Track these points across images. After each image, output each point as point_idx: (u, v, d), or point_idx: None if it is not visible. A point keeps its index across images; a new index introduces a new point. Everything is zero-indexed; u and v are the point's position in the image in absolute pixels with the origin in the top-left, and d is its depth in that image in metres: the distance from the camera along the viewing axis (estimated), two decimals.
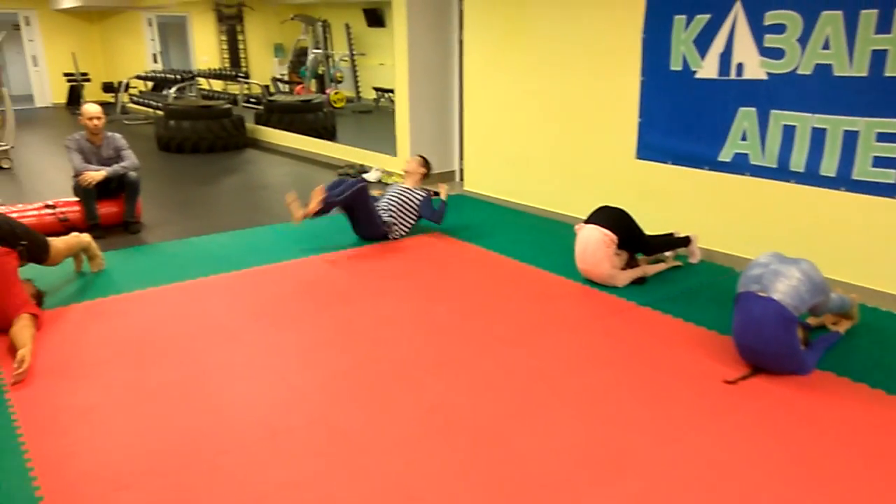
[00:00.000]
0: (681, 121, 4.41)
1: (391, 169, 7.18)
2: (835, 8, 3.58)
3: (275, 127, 9.68)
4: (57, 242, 3.81)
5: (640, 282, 3.96)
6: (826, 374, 2.90)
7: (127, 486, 2.16)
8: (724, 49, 4.08)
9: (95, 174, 4.85)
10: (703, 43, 4.18)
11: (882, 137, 3.53)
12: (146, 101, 11.92)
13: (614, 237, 3.84)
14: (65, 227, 4.94)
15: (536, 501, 2.10)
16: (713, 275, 4.16)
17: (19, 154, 8.45)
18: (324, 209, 4.58)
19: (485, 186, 6.18)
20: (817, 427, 2.51)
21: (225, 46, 16.03)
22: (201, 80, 13.03)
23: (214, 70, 13.12)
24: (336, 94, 13.45)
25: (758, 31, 3.91)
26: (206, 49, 15.90)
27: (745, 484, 2.18)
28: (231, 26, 15.87)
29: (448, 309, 3.62)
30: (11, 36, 9.40)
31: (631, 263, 4.01)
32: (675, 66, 4.35)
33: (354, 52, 14.65)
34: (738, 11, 3.98)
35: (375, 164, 7.43)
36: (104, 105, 5.38)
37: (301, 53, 14.98)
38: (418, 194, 4.96)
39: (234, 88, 13.63)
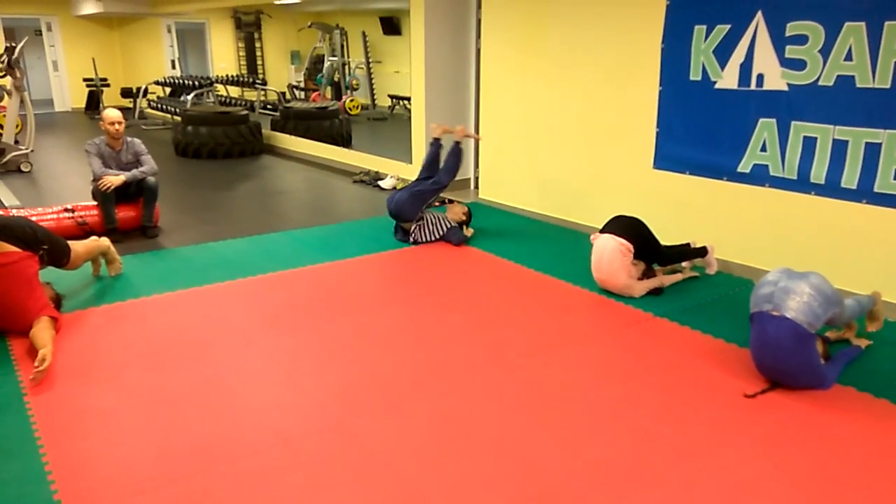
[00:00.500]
0: (699, 131, 4.39)
1: (406, 176, 7.19)
2: (858, 19, 3.55)
3: (291, 133, 9.74)
4: (77, 247, 3.84)
5: (656, 292, 3.93)
6: (847, 389, 2.86)
7: (144, 491, 2.16)
8: (745, 59, 4.06)
9: (114, 179, 4.89)
10: (723, 53, 4.16)
11: None
12: (164, 106, 12.03)
13: (630, 246, 3.82)
14: (83, 231, 4.99)
15: None
16: (731, 286, 4.12)
17: (39, 158, 8.55)
18: (438, 143, 5.21)
19: (500, 195, 6.17)
20: (838, 443, 2.47)
21: (242, 53, 16.18)
22: (219, 87, 13.15)
23: (232, 76, 13.24)
24: (351, 101, 13.52)
25: (779, 41, 3.89)
26: (223, 56, 16.05)
27: (766, 499, 2.15)
28: (249, 33, 16.02)
29: (463, 317, 3.61)
30: (33, 41, 9.54)
31: (647, 274, 3.98)
32: (695, 76, 4.33)
33: (370, 60, 14.73)
34: (759, 22, 3.96)
35: (390, 171, 7.45)
36: (122, 110, 5.42)
37: (318, 61, 15.08)
38: (449, 223, 5.05)
39: (250, 95, 13.75)
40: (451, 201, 5.37)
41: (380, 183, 7.23)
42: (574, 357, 3.15)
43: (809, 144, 3.85)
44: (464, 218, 5.16)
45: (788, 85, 3.89)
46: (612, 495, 2.17)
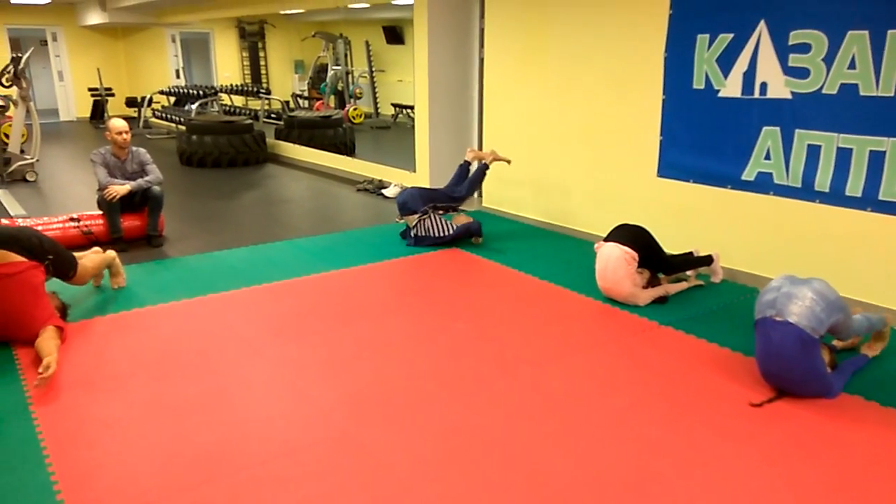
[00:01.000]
0: (703, 139, 4.39)
1: (409, 185, 7.20)
2: (861, 28, 3.55)
3: (295, 142, 9.78)
4: (85, 262, 3.85)
5: (661, 301, 3.92)
6: (854, 398, 2.85)
7: (150, 501, 2.16)
8: (748, 68, 4.07)
9: (120, 188, 4.91)
10: (726, 62, 4.17)
11: None
12: (169, 115, 12.09)
13: (635, 254, 3.81)
14: (89, 241, 5.01)
15: None
16: (736, 294, 4.11)
17: (44, 167, 8.60)
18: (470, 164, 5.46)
19: (504, 203, 6.18)
20: (845, 452, 2.46)
21: (247, 63, 16.26)
22: (223, 96, 13.21)
23: (236, 86, 13.30)
24: (355, 109, 13.57)
25: (782, 50, 3.90)
26: (228, 65, 16.14)
27: None
28: (253, 43, 16.10)
29: (468, 326, 3.61)
30: (38, 51, 9.61)
31: (652, 282, 3.98)
32: (698, 84, 4.34)
33: (374, 69, 14.79)
34: (761, 31, 3.97)
35: (394, 179, 7.46)
36: (127, 120, 5.45)
37: (321, 70, 15.15)
38: (453, 228, 5.10)
39: (254, 104, 13.81)
40: (460, 212, 5.40)
41: (383, 191, 7.24)
42: (579, 366, 3.15)
43: (813, 152, 3.85)
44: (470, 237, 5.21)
45: (792, 93, 3.89)
46: None
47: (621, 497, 2.20)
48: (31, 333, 3.20)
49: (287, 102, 14.15)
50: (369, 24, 15.02)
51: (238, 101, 14.09)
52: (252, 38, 16.05)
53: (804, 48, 3.80)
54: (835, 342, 3.23)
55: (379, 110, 15.01)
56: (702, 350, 3.32)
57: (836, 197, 3.79)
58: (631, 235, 3.92)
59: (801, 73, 3.83)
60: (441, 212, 5.19)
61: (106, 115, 13.85)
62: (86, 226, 5.04)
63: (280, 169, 9.00)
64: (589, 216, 5.30)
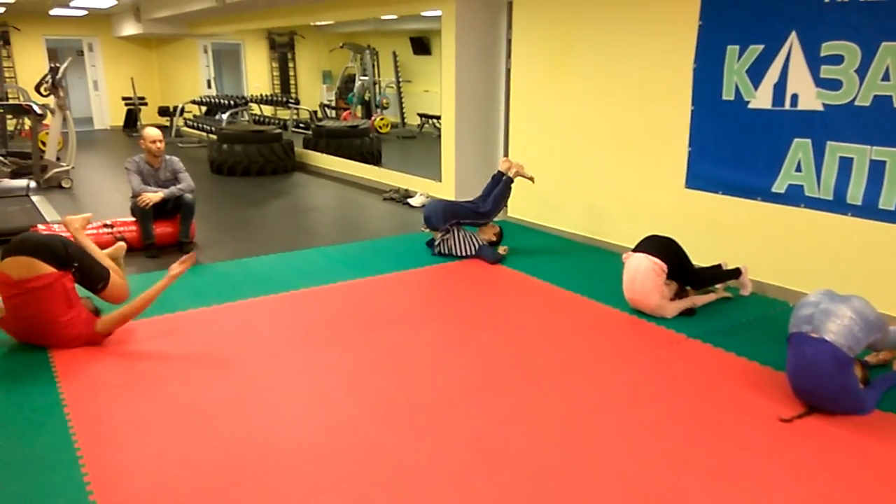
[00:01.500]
0: (733, 151, 4.36)
1: (435, 194, 7.24)
2: (895, 39, 3.51)
3: (322, 151, 9.88)
4: (119, 281, 3.73)
5: (689, 313, 3.89)
6: (887, 416, 2.79)
7: (181, 503, 2.20)
8: (779, 79, 4.03)
9: (153, 196, 5.02)
10: (756, 73, 4.14)
11: None
12: (200, 125, 12.31)
13: (664, 266, 3.79)
14: None
15: None
16: (766, 308, 4.06)
17: (79, 174, 8.80)
18: (501, 176, 5.33)
19: (529, 213, 6.18)
20: (877, 469, 2.41)
21: (276, 73, 16.48)
22: (253, 106, 13.41)
23: (266, 96, 13.49)
24: (381, 119, 13.67)
25: (814, 61, 3.86)
26: (258, 75, 16.37)
27: None
28: (283, 54, 16.32)
29: (494, 336, 3.61)
30: (74, 61, 9.88)
31: (680, 294, 3.95)
32: (728, 95, 4.31)
33: (400, 79, 14.90)
34: (793, 42, 3.94)
35: (420, 188, 7.51)
36: (160, 129, 5.56)
37: (349, 80, 15.30)
38: (479, 243, 5.10)
39: (283, 114, 13.99)
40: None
41: (409, 200, 7.29)
42: (606, 378, 3.13)
43: (846, 165, 3.80)
44: (494, 238, 5.19)
45: (824, 105, 3.85)
46: None
47: None
48: (66, 340, 3.31)
49: (315, 112, 14.31)
50: (397, 35, 15.14)
51: (267, 110, 14.29)
52: (282, 48, 16.28)
53: (836, 59, 3.76)
54: (868, 358, 3.18)
55: (405, 120, 15.10)
56: (730, 363, 3.28)
57: (868, 210, 3.74)
58: (660, 247, 3.90)
59: (834, 84, 3.79)
60: (465, 225, 5.18)
61: (139, 123, 14.17)
62: (119, 232, 5.15)
63: (308, 178, 9.10)
64: (616, 227, 5.27)
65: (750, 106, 4.21)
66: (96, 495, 2.24)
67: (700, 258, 4.13)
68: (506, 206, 6.60)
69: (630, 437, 2.62)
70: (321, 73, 17.33)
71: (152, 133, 5.15)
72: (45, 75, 8.27)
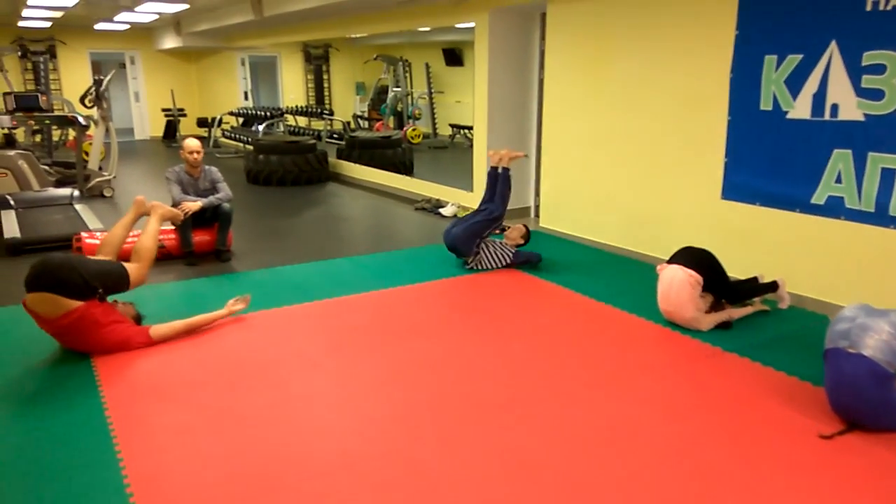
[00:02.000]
0: (770, 161, 4.29)
1: (466, 204, 7.26)
2: None
3: (356, 162, 9.99)
4: (134, 268, 3.72)
5: (725, 326, 3.83)
6: None
7: None
8: (818, 89, 3.97)
9: (192, 205, 5.13)
10: (795, 83, 4.08)
11: None
12: (237, 135, 12.55)
13: (700, 278, 3.74)
14: (161, 254, 5.23)
15: None
16: (804, 321, 3.98)
17: (120, 183, 9.03)
18: (496, 171, 5.23)
19: (561, 224, 6.16)
20: None
21: (311, 85, 16.75)
22: (288, 117, 13.63)
23: (300, 107, 13.70)
24: (413, 130, 13.79)
25: (854, 71, 3.79)
26: (293, 87, 16.65)
27: None
28: (318, 66, 16.59)
29: (525, 347, 3.60)
30: (116, 73, 10.16)
31: (716, 307, 3.89)
32: (765, 105, 4.25)
33: (433, 90, 15.01)
34: (833, 51, 3.87)
35: (451, 199, 7.54)
36: (198, 139, 5.70)
37: (382, 91, 15.48)
38: (511, 251, 5.08)
39: (318, 125, 14.19)
40: (504, 227, 5.38)
41: (441, 210, 7.32)
42: (639, 391, 3.10)
43: (888, 176, 3.72)
44: (522, 241, 5.16)
45: (865, 115, 3.77)
46: None
47: None
48: (111, 347, 3.43)
49: (348, 123, 14.49)
50: (429, 47, 15.28)
51: (302, 121, 14.52)
52: (317, 61, 16.55)
53: (878, 69, 3.68)
54: None
55: (437, 131, 15.19)
56: (768, 378, 3.22)
57: None
58: (695, 258, 3.85)
59: (875, 94, 3.71)
60: (489, 235, 5.14)
61: (178, 134, 14.49)
62: (159, 240, 5.26)
63: (341, 188, 9.21)
64: (650, 238, 5.23)
65: (788, 116, 4.15)
66: (136, 497, 2.30)
67: (736, 270, 4.06)
68: (537, 216, 6.59)
69: (664, 452, 2.59)
70: (355, 84, 17.56)
71: (190, 144, 5.27)
72: (90, 87, 8.52)
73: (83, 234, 5.31)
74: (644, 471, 2.46)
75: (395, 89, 14.75)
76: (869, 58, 3.72)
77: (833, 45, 3.87)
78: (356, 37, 12.24)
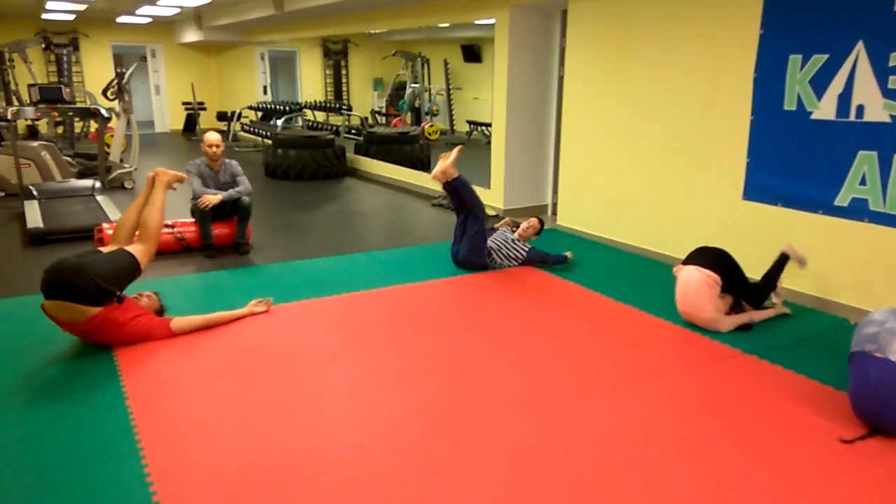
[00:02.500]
0: (794, 162, 4.24)
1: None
2: None
3: (373, 157, 10.01)
4: (141, 249, 3.68)
5: (745, 328, 3.79)
6: None
7: (235, 499, 2.26)
8: (844, 90, 3.91)
9: (213, 198, 5.17)
10: (820, 83, 4.03)
11: None
12: (256, 130, 12.62)
13: (717, 278, 3.71)
14: (182, 247, 5.29)
15: None
16: (827, 324, 3.93)
17: (140, 176, 9.11)
18: (454, 183, 4.75)
19: (579, 222, 6.13)
20: None
21: (329, 80, 16.81)
22: (307, 112, 13.68)
23: (319, 102, 13.75)
24: (431, 126, 13.78)
25: (881, 71, 3.73)
26: (312, 82, 16.72)
27: None
28: (336, 61, 16.64)
29: (541, 345, 3.60)
30: (138, 66, 10.26)
31: (736, 308, 3.86)
32: (789, 106, 4.20)
33: (450, 87, 14.99)
34: (859, 51, 3.82)
35: None
36: (218, 132, 5.74)
37: (400, 87, 15.48)
38: (524, 248, 5.05)
39: (335, 120, 14.24)
40: (516, 224, 5.34)
41: None
42: (657, 391, 3.08)
43: None
44: (535, 237, 5.14)
45: (891, 116, 3.72)
46: None
47: None
48: (134, 339, 3.48)
49: (366, 119, 14.52)
50: (448, 43, 15.26)
51: (320, 116, 14.57)
52: (336, 56, 16.60)
53: None
54: None
55: (454, 127, 15.18)
56: (788, 381, 3.19)
57: None
58: (713, 258, 3.82)
59: None
60: (495, 235, 5.09)
61: (198, 128, 14.61)
62: (179, 232, 5.32)
63: (358, 183, 9.24)
64: (669, 238, 5.19)
65: (812, 117, 4.10)
66: (156, 486, 2.32)
67: (757, 272, 4.02)
68: (555, 214, 6.57)
69: (681, 454, 2.57)
70: (373, 80, 17.59)
71: (211, 138, 5.31)
72: (112, 80, 8.61)
73: (104, 225, 5.37)
74: (660, 472, 2.44)
75: (413, 85, 14.75)
76: None
77: (860, 46, 3.82)
78: (375, 32, 12.24)
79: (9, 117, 7.19)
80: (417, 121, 14.73)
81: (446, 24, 9.90)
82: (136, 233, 3.86)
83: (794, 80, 4.17)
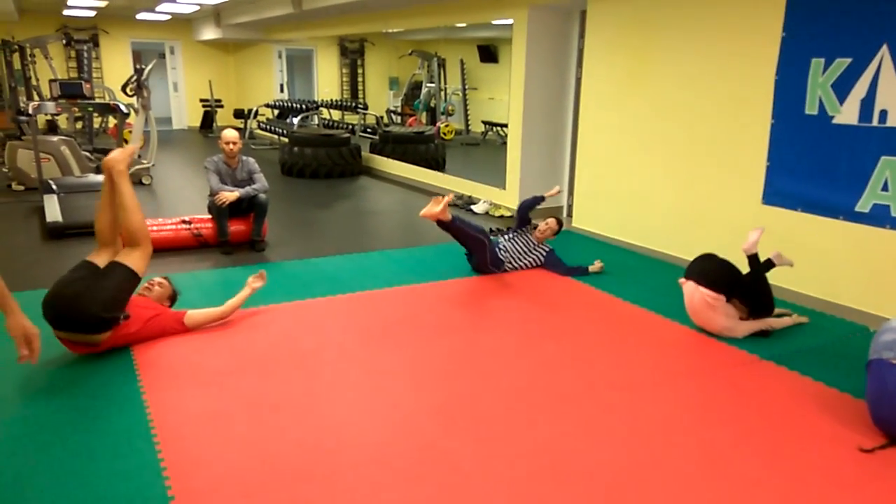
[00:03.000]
0: (814, 167, 4.20)
1: (498, 201, 7.24)
2: None
3: (388, 156, 10.03)
4: (138, 260, 3.44)
5: (763, 335, 3.74)
6: None
7: (250, 494, 2.27)
8: (867, 94, 3.87)
9: (230, 195, 5.20)
10: (842, 87, 3.98)
11: None
12: (272, 128, 12.68)
13: (717, 296, 3.63)
14: (198, 243, 5.32)
15: None
16: (845, 331, 3.89)
17: (158, 172, 9.19)
18: (448, 224, 4.60)
19: (595, 224, 6.10)
20: None
21: (346, 79, 16.85)
22: (323, 110, 13.72)
23: (335, 101, 13.79)
24: (446, 126, 13.78)
25: None
26: (328, 80, 16.77)
27: None
28: (353, 60, 16.68)
29: (557, 347, 3.58)
30: (156, 63, 10.35)
31: (753, 315, 3.81)
32: (811, 110, 4.16)
33: (466, 87, 14.98)
34: (883, 55, 3.77)
35: (483, 195, 7.52)
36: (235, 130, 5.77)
37: (415, 87, 15.49)
38: (543, 250, 5.00)
39: (351, 118, 14.27)
40: (534, 226, 5.28)
41: (472, 207, 7.31)
42: (673, 396, 3.06)
43: None
44: (553, 237, 5.09)
45: None
46: None
47: None
48: (153, 336, 3.50)
49: (381, 118, 14.54)
50: (464, 43, 15.24)
51: (336, 115, 14.60)
52: (352, 55, 16.64)
53: None
54: None
55: (470, 127, 15.17)
56: (805, 388, 3.15)
57: None
58: (712, 275, 3.70)
59: None
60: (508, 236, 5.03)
61: (215, 125, 14.70)
62: (196, 228, 5.36)
63: (373, 182, 9.25)
64: (686, 241, 5.15)
65: (834, 121, 4.05)
66: (172, 480, 2.33)
67: (776, 277, 3.97)
68: (570, 216, 6.54)
69: (696, 460, 2.55)
70: (389, 79, 17.61)
71: (228, 135, 5.34)
72: (131, 76, 8.67)
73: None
74: (676, 477, 2.42)
75: (428, 85, 14.74)
76: None
77: (884, 49, 3.77)
78: (392, 32, 12.26)
79: (30, 112, 7.27)
80: (433, 120, 14.73)
81: (463, 24, 9.90)
82: (121, 233, 3.55)
83: (816, 83, 4.12)
